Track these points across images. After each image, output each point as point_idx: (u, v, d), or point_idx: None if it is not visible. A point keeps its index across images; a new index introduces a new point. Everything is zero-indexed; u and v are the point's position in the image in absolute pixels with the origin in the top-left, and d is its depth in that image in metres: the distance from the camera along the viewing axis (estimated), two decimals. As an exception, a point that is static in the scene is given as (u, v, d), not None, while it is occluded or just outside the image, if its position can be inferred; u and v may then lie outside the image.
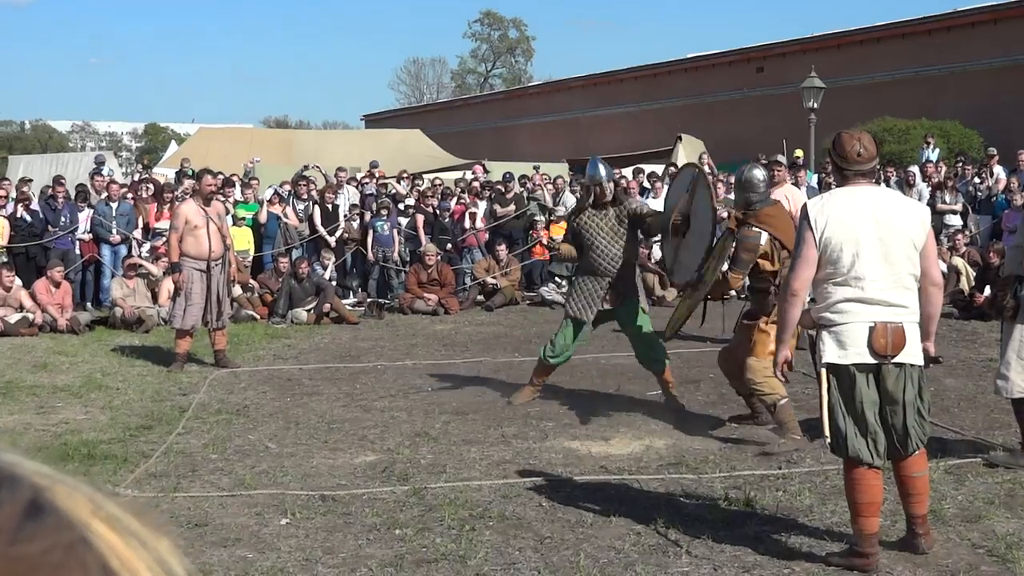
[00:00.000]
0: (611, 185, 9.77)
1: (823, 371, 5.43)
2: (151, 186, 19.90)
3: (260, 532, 6.23)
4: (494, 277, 18.24)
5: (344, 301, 17.57)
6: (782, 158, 13.00)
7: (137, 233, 18.10)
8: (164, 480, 7.35)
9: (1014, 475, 7.02)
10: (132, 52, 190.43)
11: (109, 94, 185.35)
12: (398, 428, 8.91)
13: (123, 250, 17.85)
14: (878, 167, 6.78)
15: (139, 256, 16.96)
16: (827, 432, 5.37)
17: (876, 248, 5.33)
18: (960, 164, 21.76)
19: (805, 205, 5.61)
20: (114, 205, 18.04)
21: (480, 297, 18.16)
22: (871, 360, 5.32)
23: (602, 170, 9.75)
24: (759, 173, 8.59)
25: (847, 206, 5.43)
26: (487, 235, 20.14)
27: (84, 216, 17.91)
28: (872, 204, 5.44)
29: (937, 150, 24.58)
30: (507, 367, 11.85)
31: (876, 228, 5.35)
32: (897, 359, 5.32)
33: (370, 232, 19.43)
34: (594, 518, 6.33)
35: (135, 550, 0.67)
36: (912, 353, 5.38)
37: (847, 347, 5.34)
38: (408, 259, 19.29)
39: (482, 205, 20.70)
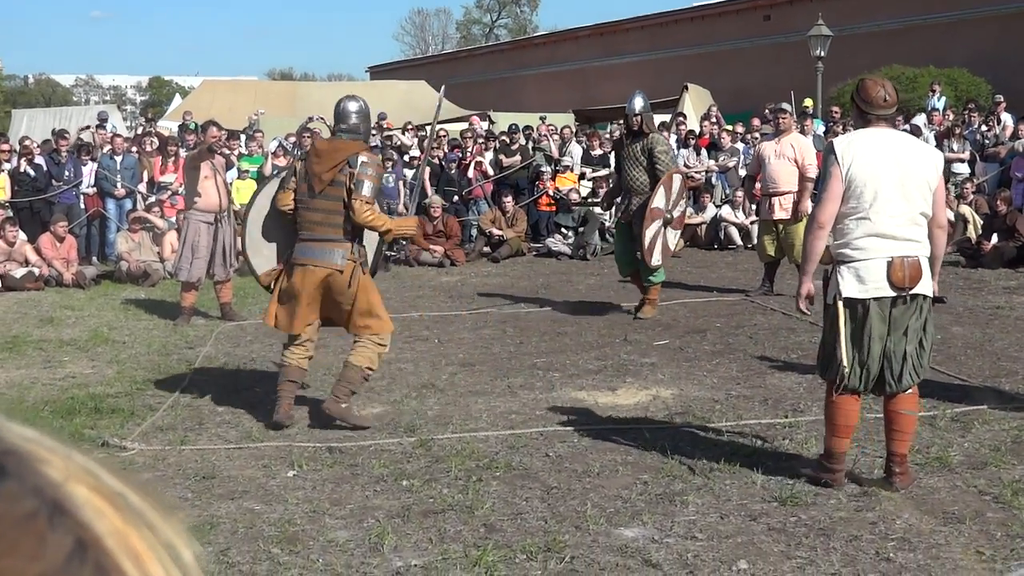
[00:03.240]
0: (638, 119, 11.29)
1: (839, 305, 5.66)
2: (155, 140, 19.84)
3: (267, 484, 6.24)
4: (500, 228, 18.20)
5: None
6: (787, 106, 12.87)
7: (142, 187, 18.07)
8: (171, 433, 7.37)
9: (1020, 422, 7.01)
10: (135, 5, 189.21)
11: (113, 48, 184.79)
12: (404, 380, 8.91)
13: (128, 204, 17.84)
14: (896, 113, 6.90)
15: (143, 209, 16.93)
16: (845, 362, 5.62)
17: (896, 187, 5.61)
18: (968, 112, 21.60)
19: (832, 143, 5.89)
20: (118, 159, 18.01)
21: (486, 248, 18.13)
22: (891, 293, 5.61)
23: (635, 104, 11.38)
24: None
25: (871, 146, 5.70)
26: (493, 186, 20.08)
27: (88, 170, 17.89)
28: (893, 146, 5.74)
29: (943, 98, 24.39)
30: (513, 318, 11.84)
31: (897, 168, 5.63)
32: (914, 291, 5.62)
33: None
34: (600, 467, 6.33)
35: (137, 529, 0.64)
36: (926, 285, 5.67)
37: (866, 282, 5.62)
38: (414, 211, 19.22)
39: (488, 156, 20.62)
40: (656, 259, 11.27)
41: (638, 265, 11.54)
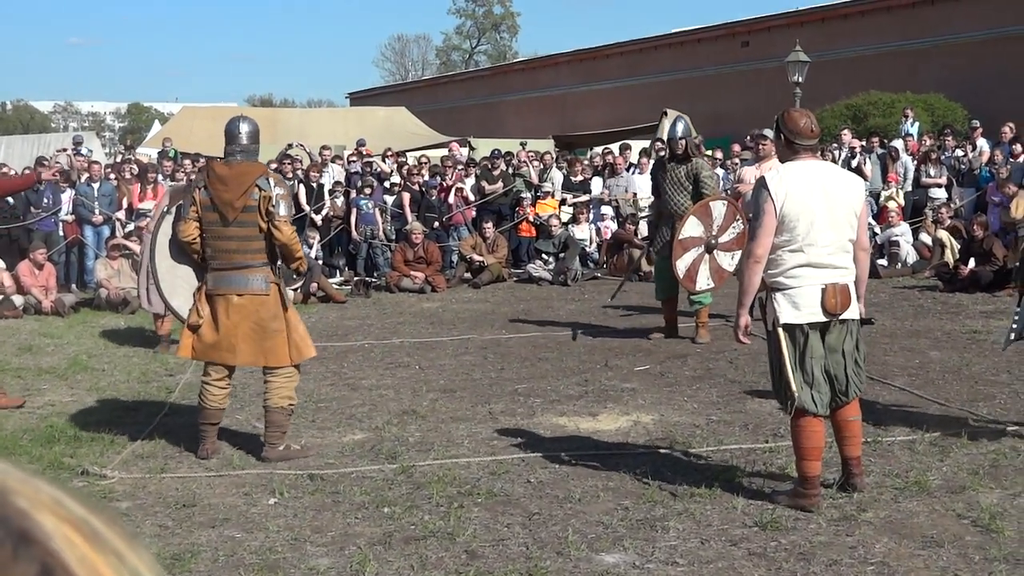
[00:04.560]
0: (683, 143, 11.44)
1: (780, 331, 5.87)
2: (135, 167, 19.82)
3: (248, 512, 6.23)
4: (481, 254, 18.23)
5: (331, 280, 17.56)
6: (768, 132, 12.95)
7: (120, 214, 18.04)
8: (151, 461, 7.34)
9: (998, 446, 7.06)
10: (114, 32, 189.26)
11: (91, 74, 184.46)
12: (386, 406, 8.91)
13: (106, 231, 17.81)
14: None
15: (122, 236, 16.89)
16: (793, 386, 5.83)
17: (826, 217, 5.83)
18: (944, 137, 21.73)
19: (763, 178, 6.04)
20: (96, 186, 17.98)
21: (467, 275, 18.15)
22: (823, 318, 5.85)
23: (678, 129, 11.65)
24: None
25: (801, 180, 5.88)
26: (474, 212, 20.12)
27: (66, 197, 17.85)
28: (821, 177, 5.94)
29: (917, 123, 24.55)
30: (494, 344, 11.86)
31: (825, 199, 5.85)
32: (843, 316, 5.88)
33: (354, 210, 19.40)
34: (582, 493, 6.34)
35: (104, 556, 0.65)
36: (854, 310, 5.95)
37: (801, 308, 5.85)
38: (394, 237, 19.26)
39: (469, 182, 20.67)
40: (703, 283, 11.16)
41: (677, 290, 11.63)
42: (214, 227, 7.18)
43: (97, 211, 17.66)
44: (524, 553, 5.39)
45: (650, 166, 17.31)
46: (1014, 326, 7.64)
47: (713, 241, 11.16)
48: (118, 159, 24.41)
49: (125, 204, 18.29)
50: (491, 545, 5.52)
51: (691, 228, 10.99)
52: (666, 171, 11.59)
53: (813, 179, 5.87)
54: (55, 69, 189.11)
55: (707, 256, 11.20)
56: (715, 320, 11.93)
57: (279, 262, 7.38)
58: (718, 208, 11.25)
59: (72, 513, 0.65)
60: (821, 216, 5.79)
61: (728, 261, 11.37)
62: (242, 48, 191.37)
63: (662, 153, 12.45)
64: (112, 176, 19.12)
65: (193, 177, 11.79)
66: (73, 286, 17.31)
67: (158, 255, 7.54)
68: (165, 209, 7.62)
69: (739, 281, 6.16)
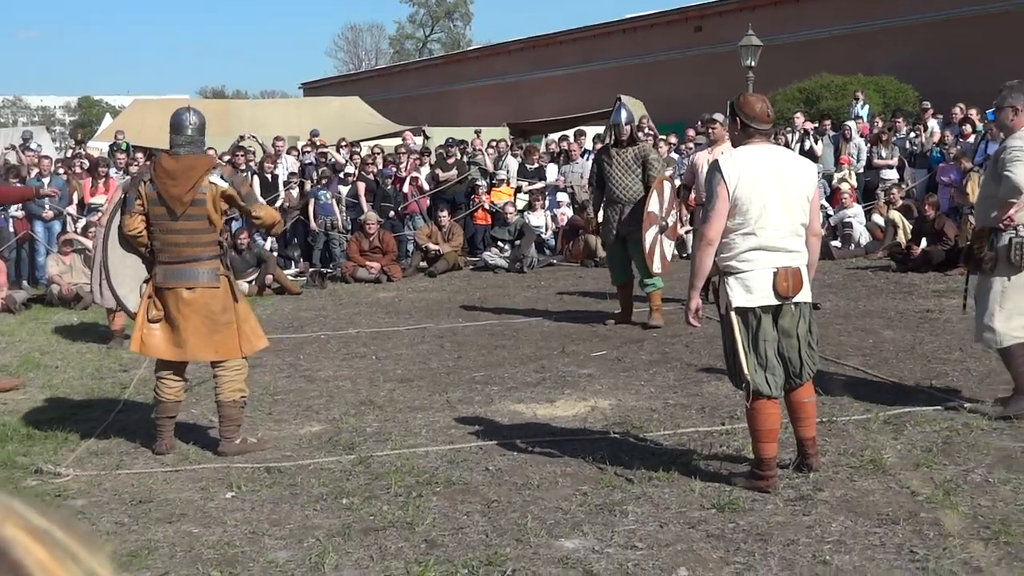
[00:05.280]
0: (627, 128, 11.55)
1: (732, 314, 5.90)
2: (85, 161, 19.62)
3: (206, 507, 6.19)
4: (436, 243, 18.20)
5: (286, 271, 17.49)
6: (719, 116, 13.00)
7: (71, 209, 17.85)
8: (106, 458, 7.28)
9: (951, 423, 7.13)
10: (64, 25, 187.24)
11: (40, 68, 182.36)
12: (343, 397, 8.88)
13: (57, 226, 17.62)
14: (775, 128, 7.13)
15: (74, 232, 16.73)
16: (745, 369, 5.87)
17: (778, 201, 5.85)
18: (895, 119, 21.90)
19: (716, 161, 6.02)
20: (46, 180, 17.77)
21: (423, 264, 18.12)
22: (775, 301, 5.87)
23: (622, 115, 11.64)
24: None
25: (754, 164, 5.89)
26: (429, 201, 20.08)
27: (16, 193, 17.61)
28: (773, 161, 5.96)
29: (867, 106, 24.72)
30: (451, 333, 11.84)
31: (778, 183, 5.87)
32: (795, 299, 5.90)
33: (311, 202, 19.32)
34: (540, 480, 6.35)
35: (63, 563, 0.65)
36: (807, 292, 5.97)
37: (753, 291, 5.88)
38: (350, 228, 19.20)
39: (424, 171, 20.63)
40: (656, 266, 11.45)
41: (632, 276, 11.83)
42: (162, 221, 7.10)
43: (48, 206, 17.46)
44: (483, 541, 5.39)
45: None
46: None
47: (664, 223, 11.33)
48: (68, 154, 24.17)
49: (76, 199, 18.11)
50: (450, 534, 5.51)
51: (653, 204, 11.24)
52: (611, 157, 11.65)
53: (766, 163, 5.89)
54: (4, 63, 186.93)
55: (660, 239, 11.36)
56: (670, 304, 11.97)
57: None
58: (668, 188, 11.49)
59: (30, 522, 0.65)
60: (773, 200, 5.81)
61: (669, 249, 11.64)
62: (194, 39, 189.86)
63: (605, 140, 12.50)
64: (62, 171, 18.93)
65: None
66: (24, 282, 17.13)
67: (111, 247, 7.47)
68: (118, 201, 7.55)
69: (691, 264, 6.15)
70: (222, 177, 7.10)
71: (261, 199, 7.28)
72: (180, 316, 7.14)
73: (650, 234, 11.24)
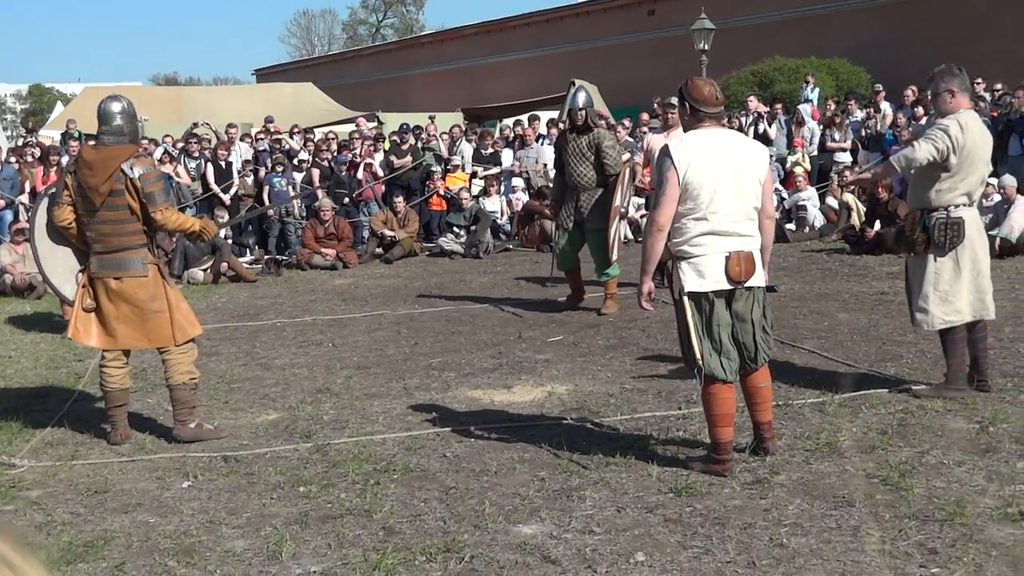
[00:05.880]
0: (583, 114, 11.46)
1: (685, 299, 5.90)
2: (37, 150, 19.40)
3: (162, 496, 6.15)
4: (392, 229, 18.14)
5: (241, 259, 17.38)
6: (675, 100, 13.05)
7: (23, 198, 17.66)
8: (62, 448, 7.22)
9: (906, 405, 7.19)
10: (10, 10, 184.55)
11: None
12: (299, 385, 8.85)
13: (9, 215, 17.43)
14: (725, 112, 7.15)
15: (27, 221, 16.54)
16: (697, 353, 5.88)
17: (730, 185, 5.84)
18: (848, 102, 22.05)
19: (666, 146, 5.99)
20: (-3, 169, 17.58)
21: (379, 250, 18.06)
22: (727, 286, 5.88)
23: (579, 100, 11.71)
24: None
25: (704, 148, 5.87)
26: (384, 187, 20.01)
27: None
28: (724, 145, 5.93)
29: (817, 89, 24.86)
30: (407, 319, 11.82)
31: (729, 167, 5.85)
32: (748, 283, 5.90)
33: (266, 188, 19.21)
34: (498, 466, 6.35)
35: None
36: (759, 277, 5.97)
37: (705, 276, 5.87)
38: (305, 214, 19.11)
39: (378, 157, 20.55)
40: (615, 254, 11.47)
41: (578, 262, 11.88)
42: (87, 212, 7.09)
43: (-2, 195, 17.27)
44: (441, 527, 5.39)
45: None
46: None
47: (625, 210, 11.40)
48: (20, 142, 23.87)
49: (28, 188, 17.91)
50: (408, 521, 5.51)
51: (619, 198, 11.26)
52: (567, 143, 11.60)
53: (716, 147, 5.87)
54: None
55: (619, 224, 11.44)
56: (625, 288, 11.99)
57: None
58: (627, 176, 11.56)
59: None
60: (724, 184, 5.80)
61: (623, 233, 11.76)
62: (145, 26, 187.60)
63: (563, 125, 12.54)
64: (13, 160, 18.71)
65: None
66: (-25, 273, 16.91)
67: (38, 239, 7.45)
68: (43, 192, 7.52)
69: (643, 249, 6.16)
70: (132, 168, 7.03)
71: (171, 203, 7.23)
72: (111, 305, 7.14)
73: (613, 227, 11.28)
